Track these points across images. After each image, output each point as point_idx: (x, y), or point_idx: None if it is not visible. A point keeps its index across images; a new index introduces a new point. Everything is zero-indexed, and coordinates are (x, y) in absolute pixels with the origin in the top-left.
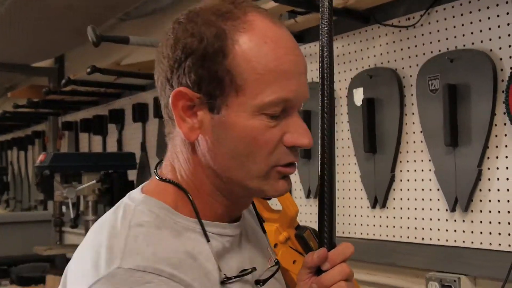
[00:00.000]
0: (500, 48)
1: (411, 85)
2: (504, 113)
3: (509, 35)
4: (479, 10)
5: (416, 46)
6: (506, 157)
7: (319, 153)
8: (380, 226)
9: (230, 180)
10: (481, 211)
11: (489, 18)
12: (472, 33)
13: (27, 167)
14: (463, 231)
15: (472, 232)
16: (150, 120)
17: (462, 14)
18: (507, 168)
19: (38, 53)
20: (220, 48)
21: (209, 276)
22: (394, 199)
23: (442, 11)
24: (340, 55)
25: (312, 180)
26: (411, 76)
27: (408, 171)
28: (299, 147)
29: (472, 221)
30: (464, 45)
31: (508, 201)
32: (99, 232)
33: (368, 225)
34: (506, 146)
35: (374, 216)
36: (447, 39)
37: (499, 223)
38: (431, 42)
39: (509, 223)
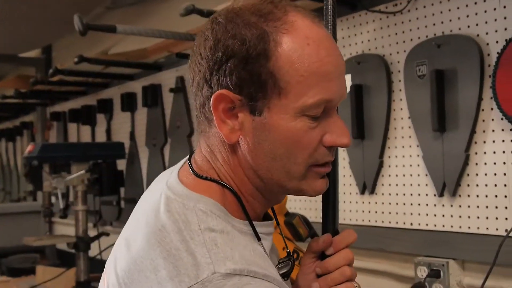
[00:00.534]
0: (487, 33)
1: (399, 71)
2: (491, 98)
3: (495, 20)
4: None
5: (403, 32)
6: (493, 141)
7: None
8: (369, 212)
9: (270, 181)
10: (468, 196)
11: (475, 3)
12: (459, 18)
13: (16, 158)
14: (451, 216)
15: (460, 216)
16: (138, 109)
17: (448, 0)
18: (494, 152)
19: (25, 43)
20: (262, 50)
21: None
22: (382, 185)
23: None
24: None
25: None
26: (398, 62)
27: (396, 156)
28: (339, 146)
29: (460, 206)
30: (451, 31)
31: (496, 185)
32: (161, 236)
33: (357, 211)
34: (493, 130)
35: (363, 202)
36: (434, 24)
37: (487, 207)
38: (418, 28)
39: (496, 207)
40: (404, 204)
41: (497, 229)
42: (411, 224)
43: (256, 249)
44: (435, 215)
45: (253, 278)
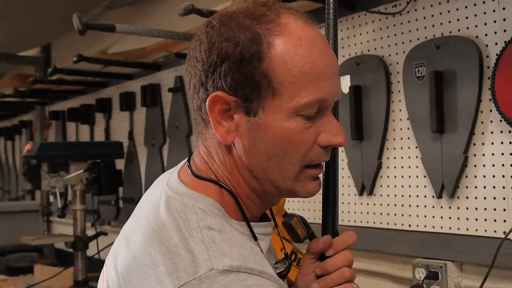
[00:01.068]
0: (486, 35)
1: (398, 72)
2: (490, 100)
3: (494, 21)
4: None
5: (402, 33)
6: (492, 143)
7: None
8: (368, 213)
9: (265, 181)
10: (467, 198)
11: (475, 4)
12: (458, 19)
13: (14, 157)
14: (450, 218)
15: (458, 218)
16: (137, 109)
17: (448, 1)
18: (492, 154)
19: (24, 41)
20: (256, 52)
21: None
22: (381, 186)
23: None
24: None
25: None
26: (397, 63)
27: (395, 158)
28: (334, 146)
29: (458, 208)
30: (450, 32)
31: (494, 187)
32: (160, 231)
33: (355, 212)
34: (492, 132)
35: (362, 204)
36: (433, 26)
37: (485, 209)
38: (417, 29)
39: (494, 209)
40: (403, 205)
41: (495, 231)
42: (409, 225)
43: (253, 248)
44: (433, 217)
45: (250, 274)
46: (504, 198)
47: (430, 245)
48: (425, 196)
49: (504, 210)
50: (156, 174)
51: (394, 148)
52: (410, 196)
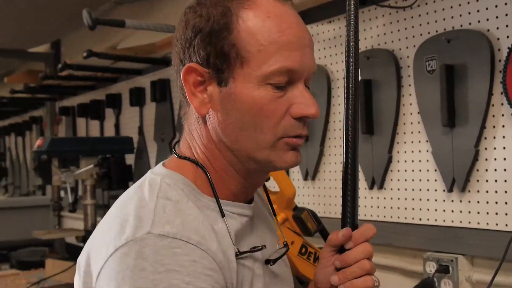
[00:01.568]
0: (498, 28)
1: (408, 66)
2: (501, 93)
3: (506, 14)
4: None
5: (413, 27)
6: (503, 137)
7: (343, 137)
8: (378, 207)
9: (240, 153)
10: (478, 191)
11: None
12: (469, 13)
13: (25, 152)
14: (460, 211)
15: (469, 212)
16: (147, 104)
17: None
18: (504, 148)
19: (34, 38)
20: (225, 24)
21: (226, 251)
22: (391, 180)
23: None
24: (337, 37)
25: (309, 162)
26: (408, 57)
27: (405, 152)
28: (306, 117)
29: (469, 201)
30: (461, 25)
31: (506, 181)
32: (124, 205)
33: (365, 206)
34: (503, 126)
35: (372, 198)
36: (444, 19)
37: (496, 203)
38: (428, 23)
39: (506, 203)
40: (413, 199)
41: (506, 225)
42: (420, 219)
43: (215, 224)
44: (444, 211)
45: (185, 243)
46: None
47: (440, 239)
48: (435, 190)
49: None
50: None
51: (405, 142)
52: (420, 190)
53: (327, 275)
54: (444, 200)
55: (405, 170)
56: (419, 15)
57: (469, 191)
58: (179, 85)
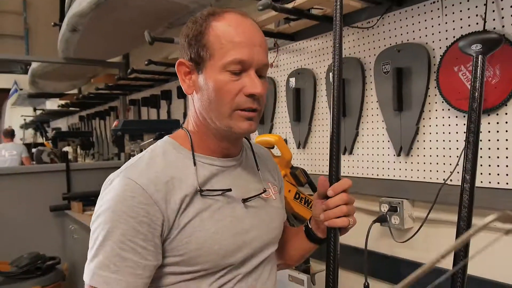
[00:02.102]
0: (433, 42)
1: (370, 69)
2: (435, 87)
3: (439, 32)
4: (419, 15)
5: (374, 41)
6: (436, 118)
7: (331, 118)
8: (348, 167)
9: (212, 121)
10: (418, 155)
11: (425, 20)
12: (413, 31)
13: (106, 131)
14: (406, 169)
15: (411, 170)
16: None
17: (406, 18)
18: (436, 125)
19: (111, 52)
20: (200, 32)
21: (187, 188)
22: (357, 148)
23: (393, 16)
24: (320, 49)
25: (301, 136)
26: (370, 62)
27: (367, 128)
28: (254, 94)
29: (411, 162)
30: (407, 40)
31: (437, 148)
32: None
33: (344, 166)
34: (436, 110)
35: (348, 160)
36: (395, 36)
37: (430, 163)
38: (384, 38)
39: (437, 163)
40: (373, 161)
41: (437, 178)
42: (377, 175)
43: (177, 172)
44: (394, 169)
45: (135, 183)
46: (444, 156)
47: (391, 188)
48: (388, 155)
49: (444, 164)
50: None
51: (367, 122)
52: (378, 155)
53: (318, 211)
54: (394, 162)
55: (367, 141)
56: (378, 33)
57: (411, 155)
58: None
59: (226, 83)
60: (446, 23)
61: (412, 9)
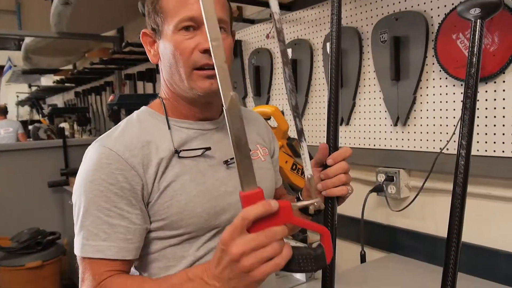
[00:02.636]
0: (431, 9)
1: (368, 38)
2: (433, 56)
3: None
4: None
5: (371, 10)
6: (433, 86)
7: (328, 87)
8: (345, 137)
9: (176, 86)
10: (415, 125)
11: None
12: None
13: (102, 106)
14: (402, 139)
15: (408, 139)
16: None
17: None
18: (433, 94)
19: (105, 26)
20: (154, 6)
21: (163, 152)
22: (354, 118)
23: None
24: (317, 19)
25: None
26: (367, 32)
27: (365, 99)
28: (208, 49)
29: (408, 132)
30: (405, 8)
31: (434, 117)
32: None
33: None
34: (433, 79)
35: (345, 131)
36: (393, 4)
37: (427, 132)
38: (382, 7)
39: (434, 133)
40: (369, 131)
41: (434, 148)
42: (374, 145)
43: (151, 137)
44: (391, 139)
45: (110, 150)
46: (440, 125)
47: (388, 158)
48: (385, 125)
49: (440, 133)
50: None
51: (364, 92)
52: (375, 125)
53: (315, 182)
54: (391, 132)
55: (364, 112)
56: (376, 1)
57: (408, 125)
58: None
59: (181, 42)
60: None
61: None
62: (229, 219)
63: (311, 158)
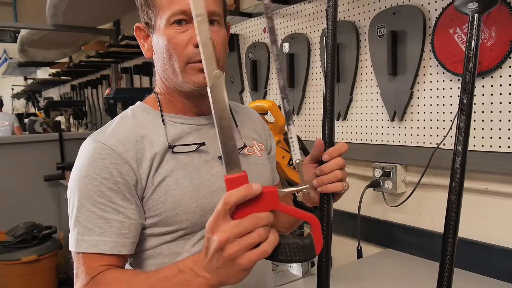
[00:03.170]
0: (429, 3)
1: (365, 33)
2: (430, 51)
3: None
4: None
5: (368, 4)
6: (430, 82)
7: (324, 83)
8: (342, 133)
9: (170, 80)
10: (412, 120)
11: None
12: None
13: (99, 100)
14: (399, 134)
15: (405, 135)
16: None
17: None
18: (431, 89)
19: (102, 18)
20: (145, 1)
21: (157, 147)
22: (351, 114)
23: None
24: (314, 13)
25: (295, 103)
26: (365, 26)
27: (362, 94)
28: None
29: (405, 127)
30: (403, 2)
31: (431, 112)
32: None
33: (337, 132)
34: (430, 74)
35: (342, 126)
36: None
37: (424, 128)
38: (379, 1)
39: (431, 128)
40: (367, 126)
41: (430, 143)
42: (371, 140)
43: (145, 131)
44: (388, 134)
45: (103, 145)
46: (437, 120)
47: (385, 153)
48: (382, 120)
49: (437, 128)
50: None
51: (361, 87)
52: (372, 120)
53: (311, 179)
54: (388, 127)
55: (361, 107)
56: None
57: (405, 120)
58: None
59: (174, 37)
60: None
61: None
62: None
63: (306, 153)
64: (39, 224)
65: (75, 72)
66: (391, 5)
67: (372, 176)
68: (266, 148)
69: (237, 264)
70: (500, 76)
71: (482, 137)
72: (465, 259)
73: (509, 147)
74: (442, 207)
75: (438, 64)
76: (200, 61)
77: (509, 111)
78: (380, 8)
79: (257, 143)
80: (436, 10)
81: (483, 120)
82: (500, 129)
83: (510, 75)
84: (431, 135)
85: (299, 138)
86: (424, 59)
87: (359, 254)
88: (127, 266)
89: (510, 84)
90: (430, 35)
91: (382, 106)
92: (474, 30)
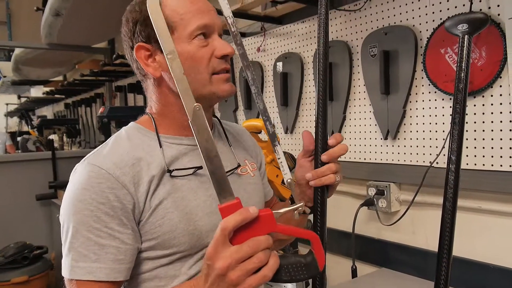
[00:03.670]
0: (420, 24)
1: (358, 52)
2: (422, 70)
3: (426, 14)
4: None
5: (361, 24)
6: (423, 100)
7: (316, 98)
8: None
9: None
10: (405, 139)
11: (412, 2)
12: (400, 13)
13: (92, 118)
14: (392, 153)
15: (398, 153)
16: None
17: (393, 0)
18: (423, 108)
19: (96, 37)
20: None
21: (154, 170)
22: (345, 132)
23: None
24: (307, 33)
25: (289, 121)
26: (357, 46)
27: (355, 112)
28: (226, 55)
29: (398, 146)
30: (394, 22)
31: (424, 131)
32: None
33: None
34: (422, 93)
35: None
36: (383, 18)
37: (417, 146)
38: (371, 21)
39: (424, 146)
40: (360, 145)
41: (423, 161)
42: (365, 158)
43: (141, 153)
44: (381, 152)
45: (99, 169)
46: (430, 138)
47: (378, 171)
48: (375, 138)
49: (430, 146)
50: None
51: (354, 106)
52: (365, 138)
53: (303, 173)
54: (381, 145)
55: (355, 125)
56: (365, 16)
57: (398, 138)
58: (135, 68)
59: (197, 51)
60: (433, 5)
61: None
62: None
63: (293, 161)
64: (30, 244)
65: (69, 91)
66: (383, 25)
67: (366, 194)
68: (257, 164)
69: None
70: (491, 96)
71: (475, 156)
72: (459, 278)
73: (501, 165)
74: (436, 226)
75: (430, 83)
76: (223, 72)
77: (501, 130)
78: (372, 28)
79: (249, 162)
80: (427, 30)
81: (475, 139)
82: (492, 147)
83: (501, 95)
84: (424, 154)
85: (292, 156)
86: (416, 78)
87: (354, 273)
88: None
89: (501, 104)
90: (421, 54)
91: (375, 125)
92: (464, 51)
